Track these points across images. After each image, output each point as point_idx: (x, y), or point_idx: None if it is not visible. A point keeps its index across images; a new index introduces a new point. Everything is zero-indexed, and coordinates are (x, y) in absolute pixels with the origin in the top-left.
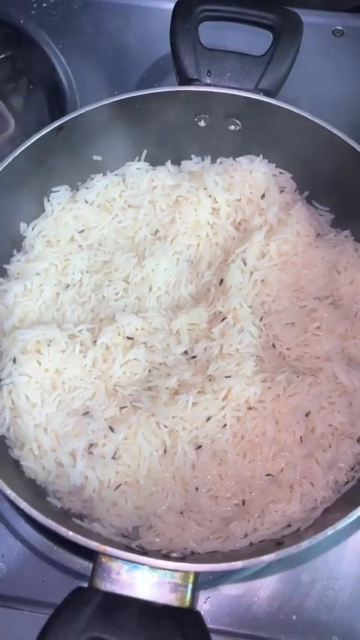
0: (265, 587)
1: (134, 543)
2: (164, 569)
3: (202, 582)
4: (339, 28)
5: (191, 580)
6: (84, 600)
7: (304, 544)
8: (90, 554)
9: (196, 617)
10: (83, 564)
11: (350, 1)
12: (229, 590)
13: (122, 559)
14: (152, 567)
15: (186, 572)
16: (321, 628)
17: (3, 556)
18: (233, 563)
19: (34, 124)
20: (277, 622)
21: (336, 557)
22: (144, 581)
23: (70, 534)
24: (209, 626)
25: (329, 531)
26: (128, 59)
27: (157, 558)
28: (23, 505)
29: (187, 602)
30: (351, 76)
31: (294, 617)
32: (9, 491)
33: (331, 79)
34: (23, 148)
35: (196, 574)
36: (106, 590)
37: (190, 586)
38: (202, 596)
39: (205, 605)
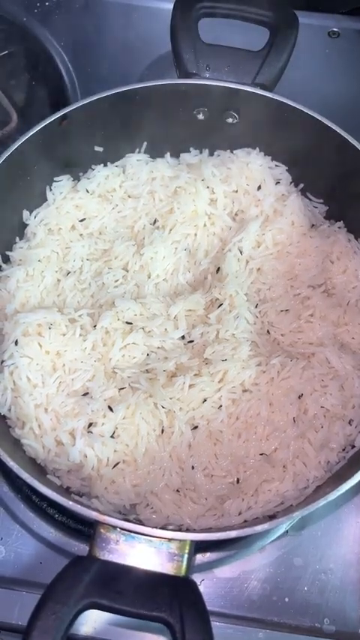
0: (259, 571)
1: (132, 517)
2: (160, 537)
3: (197, 565)
4: (335, 29)
5: (187, 550)
6: (84, 568)
7: (296, 514)
8: (86, 538)
9: (191, 585)
10: (80, 547)
11: (346, 3)
12: (224, 572)
13: (121, 528)
14: (149, 537)
15: (182, 542)
16: (313, 610)
17: (2, 539)
18: (227, 532)
19: (36, 119)
20: (270, 604)
21: (328, 542)
22: (141, 551)
23: (70, 504)
24: None
25: (321, 502)
26: (129, 57)
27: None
28: (25, 476)
29: (182, 571)
30: (345, 76)
31: (286, 599)
32: (12, 463)
33: (326, 79)
34: (27, 136)
35: (192, 544)
36: (105, 559)
37: (185, 556)
38: (197, 578)
39: (199, 587)
